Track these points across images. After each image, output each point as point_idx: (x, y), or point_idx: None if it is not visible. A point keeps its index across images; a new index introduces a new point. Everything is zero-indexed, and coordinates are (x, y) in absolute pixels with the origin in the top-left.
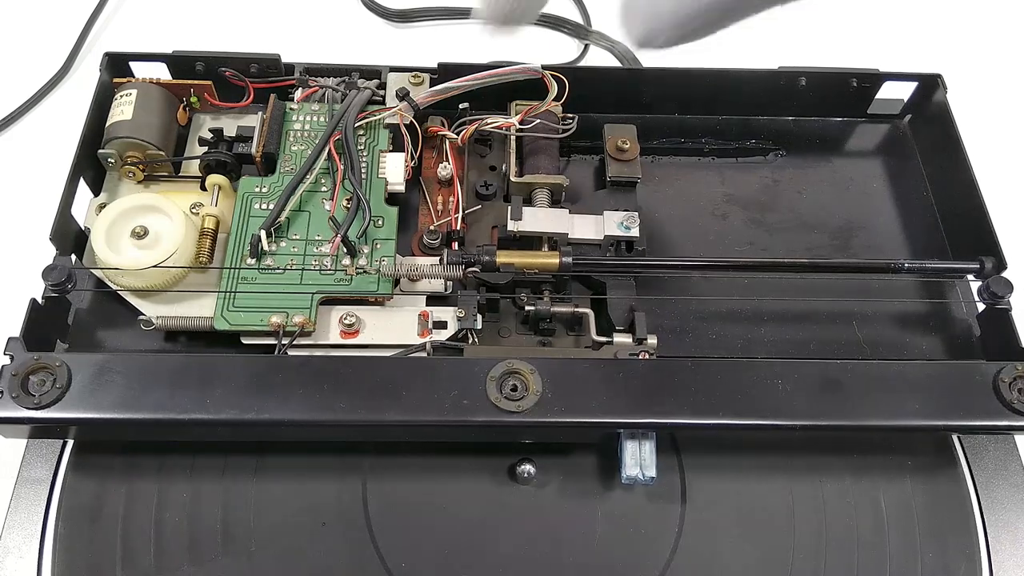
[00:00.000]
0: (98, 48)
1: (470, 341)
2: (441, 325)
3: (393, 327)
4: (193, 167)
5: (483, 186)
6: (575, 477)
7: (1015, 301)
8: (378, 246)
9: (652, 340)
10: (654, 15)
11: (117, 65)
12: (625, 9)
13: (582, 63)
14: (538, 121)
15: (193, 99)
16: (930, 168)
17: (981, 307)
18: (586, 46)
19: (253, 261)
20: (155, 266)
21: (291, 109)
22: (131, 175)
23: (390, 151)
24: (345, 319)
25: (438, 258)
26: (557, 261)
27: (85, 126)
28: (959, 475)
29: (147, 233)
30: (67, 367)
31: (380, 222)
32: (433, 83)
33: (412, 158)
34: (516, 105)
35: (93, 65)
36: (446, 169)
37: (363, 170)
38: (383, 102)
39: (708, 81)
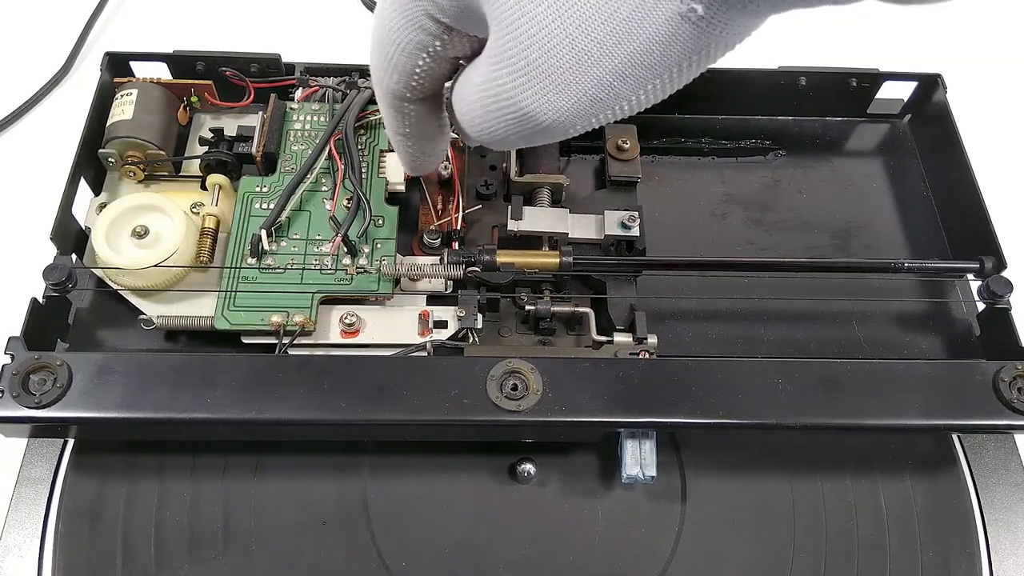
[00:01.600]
0: (98, 48)
1: (470, 340)
2: (441, 324)
3: (393, 327)
4: (193, 167)
5: (483, 186)
6: (575, 476)
7: (1015, 300)
8: (378, 246)
9: (652, 339)
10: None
11: (117, 65)
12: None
13: None
14: None
15: (193, 99)
16: (930, 168)
17: (981, 306)
18: None
19: (253, 261)
20: (155, 265)
21: (291, 109)
22: (131, 175)
23: (390, 151)
24: (345, 319)
25: (438, 258)
26: (557, 261)
27: (85, 126)
28: (959, 475)
29: (147, 233)
30: (68, 366)
31: (380, 222)
32: None
33: None
34: None
35: (93, 65)
36: (446, 169)
37: (363, 170)
38: None
39: (708, 80)
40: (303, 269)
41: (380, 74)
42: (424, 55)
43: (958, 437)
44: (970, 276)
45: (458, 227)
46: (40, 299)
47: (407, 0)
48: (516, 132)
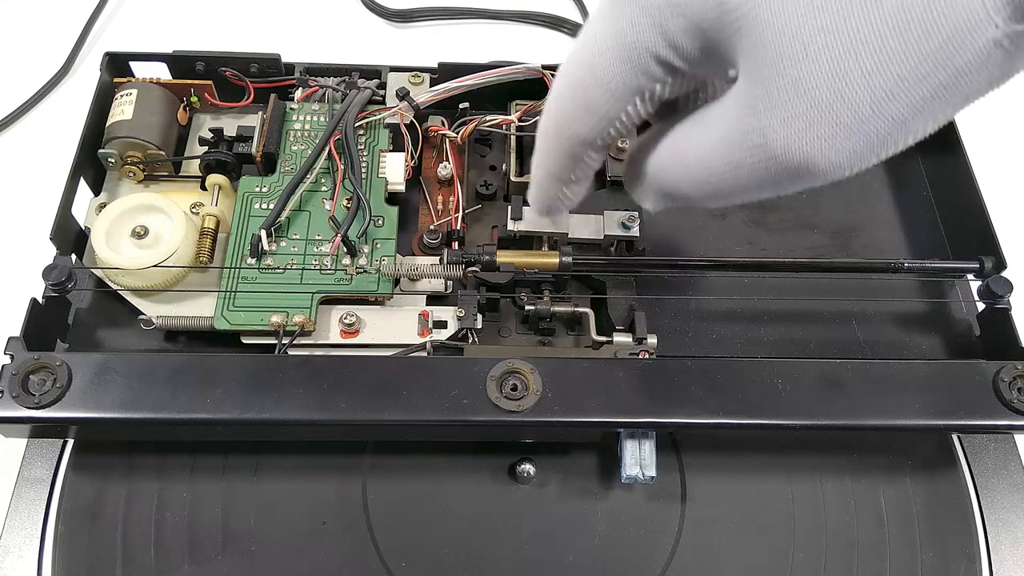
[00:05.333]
0: (98, 48)
1: (470, 341)
2: (441, 325)
3: (393, 327)
4: (193, 167)
5: (483, 186)
6: (575, 476)
7: (1015, 300)
8: (378, 246)
9: (652, 340)
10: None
11: (117, 65)
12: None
13: None
14: (538, 120)
15: (193, 99)
16: (930, 168)
17: (981, 306)
18: None
19: (253, 261)
20: (155, 266)
21: (291, 109)
22: (131, 175)
23: (390, 151)
24: (345, 319)
25: (438, 258)
26: (557, 261)
27: (85, 126)
28: (959, 475)
29: (147, 233)
30: (67, 366)
31: (380, 222)
32: (433, 83)
33: (412, 158)
34: (516, 105)
35: (93, 65)
36: (446, 169)
37: (363, 170)
38: (383, 102)
39: None
40: (303, 269)
41: (568, 118)
42: (637, 99)
43: (958, 437)
44: (970, 276)
45: (458, 227)
46: (40, 299)
47: (633, 39)
48: (766, 185)
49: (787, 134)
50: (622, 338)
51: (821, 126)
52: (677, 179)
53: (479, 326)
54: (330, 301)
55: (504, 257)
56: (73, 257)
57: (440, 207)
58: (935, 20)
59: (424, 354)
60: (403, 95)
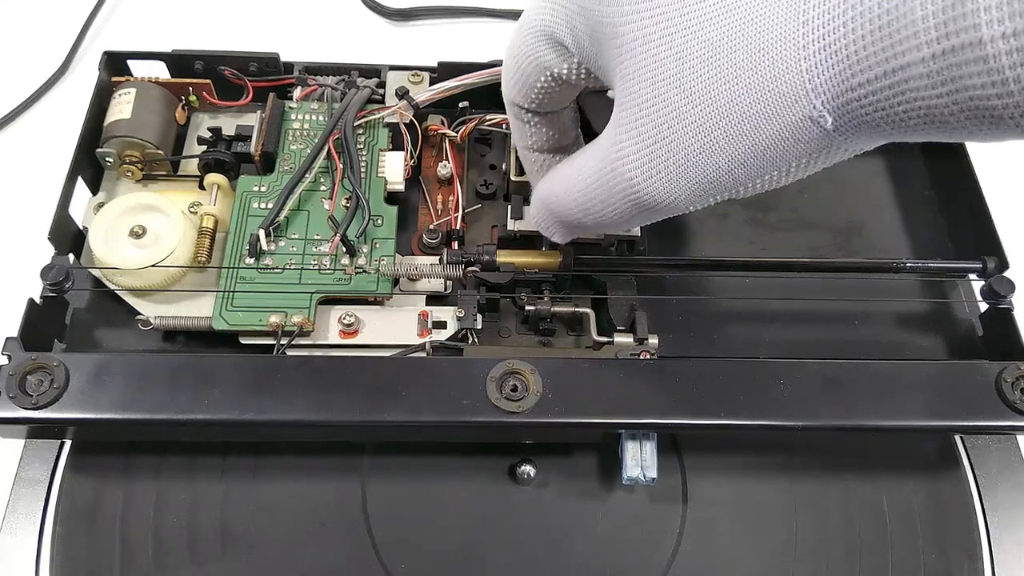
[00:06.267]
0: (97, 47)
1: (470, 341)
2: (441, 325)
3: (392, 327)
4: (192, 166)
5: (483, 185)
6: (575, 477)
7: (1017, 300)
8: (377, 245)
9: (653, 340)
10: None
11: (116, 64)
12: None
13: None
14: None
15: (192, 98)
16: (932, 167)
17: (983, 307)
18: None
19: (252, 261)
20: (153, 265)
21: (290, 108)
22: (129, 174)
23: (389, 150)
24: (344, 319)
25: (438, 257)
26: (557, 261)
27: (83, 125)
28: (961, 476)
29: (145, 232)
30: (65, 367)
31: (379, 221)
32: (433, 82)
33: (412, 157)
34: None
35: (92, 64)
36: (446, 168)
37: (362, 169)
38: (383, 101)
39: None
40: (301, 269)
41: (505, 84)
42: (547, 73)
43: (960, 438)
44: (972, 276)
45: (458, 227)
46: (37, 299)
47: (540, 19)
48: (629, 212)
49: (636, 165)
50: (623, 338)
51: (663, 159)
52: (567, 205)
53: (479, 326)
54: (329, 301)
55: (504, 257)
56: (71, 257)
57: (440, 207)
58: (762, 87)
59: (423, 354)
60: (403, 94)
